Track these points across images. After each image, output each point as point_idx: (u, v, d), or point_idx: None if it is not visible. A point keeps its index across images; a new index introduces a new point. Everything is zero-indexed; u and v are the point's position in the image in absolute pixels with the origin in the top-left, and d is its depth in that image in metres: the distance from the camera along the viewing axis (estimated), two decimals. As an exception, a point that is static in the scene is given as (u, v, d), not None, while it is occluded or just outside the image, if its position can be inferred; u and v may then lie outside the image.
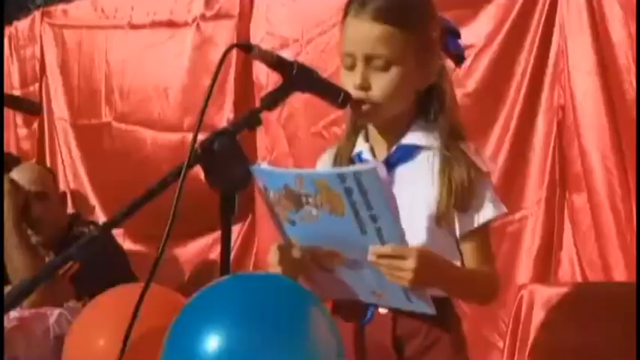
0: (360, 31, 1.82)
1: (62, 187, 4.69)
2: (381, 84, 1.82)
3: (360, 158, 1.93)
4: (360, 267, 1.70)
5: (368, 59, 1.82)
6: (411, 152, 1.88)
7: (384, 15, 1.80)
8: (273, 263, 1.77)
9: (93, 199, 4.74)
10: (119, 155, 4.58)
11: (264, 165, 1.74)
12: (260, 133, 3.84)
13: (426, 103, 1.90)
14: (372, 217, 1.60)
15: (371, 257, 1.65)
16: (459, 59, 1.97)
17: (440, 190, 1.82)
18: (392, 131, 1.90)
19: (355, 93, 1.83)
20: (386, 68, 1.82)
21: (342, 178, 1.57)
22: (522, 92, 3.14)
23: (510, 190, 3.14)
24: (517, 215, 3.13)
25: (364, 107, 1.83)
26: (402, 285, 1.66)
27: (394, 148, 1.89)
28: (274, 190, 1.68)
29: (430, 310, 1.72)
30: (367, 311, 1.85)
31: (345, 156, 1.96)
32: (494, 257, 1.92)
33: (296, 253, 1.74)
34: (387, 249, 1.63)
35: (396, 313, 1.82)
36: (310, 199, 1.63)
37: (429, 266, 1.67)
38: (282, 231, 1.76)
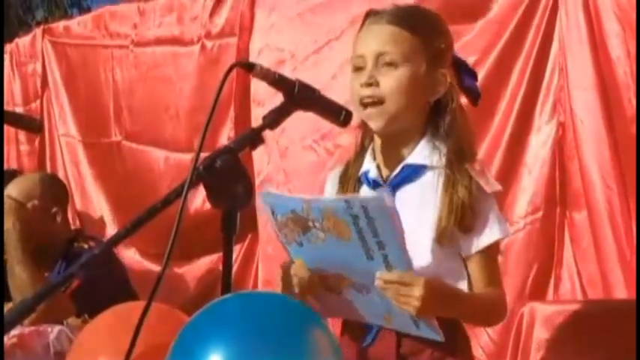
0: (372, 34, 1.88)
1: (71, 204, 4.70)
2: (388, 81, 1.84)
3: (366, 177, 1.94)
4: (367, 291, 1.72)
5: (377, 58, 1.85)
6: (416, 172, 1.88)
7: (396, 19, 1.86)
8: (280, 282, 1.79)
9: (106, 217, 4.72)
10: (130, 174, 4.58)
11: (271, 190, 1.76)
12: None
13: (436, 122, 1.92)
14: (379, 244, 1.61)
15: (378, 282, 1.66)
16: (474, 97, 2.00)
17: (440, 209, 1.83)
18: (399, 147, 1.91)
19: (361, 91, 1.85)
20: (393, 65, 1.85)
21: (349, 206, 1.59)
22: (516, 107, 3.14)
23: (501, 205, 3.13)
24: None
25: (371, 109, 1.85)
26: (409, 311, 1.67)
27: (399, 167, 1.89)
28: (281, 215, 1.70)
29: (438, 336, 1.72)
30: (370, 333, 1.85)
31: (353, 175, 1.97)
32: (501, 278, 1.93)
33: (303, 273, 1.74)
34: (393, 275, 1.65)
35: (400, 332, 1.82)
36: (317, 224, 1.64)
37: (436, 295, 1.68)
38: (290, 252, 1.78)
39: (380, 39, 1.86)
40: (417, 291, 1.64)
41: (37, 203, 3.51)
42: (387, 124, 1.87)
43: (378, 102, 1.85)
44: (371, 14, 1.92)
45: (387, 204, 1.58)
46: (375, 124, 1.89)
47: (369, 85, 1.84)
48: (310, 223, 1.65)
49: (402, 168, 1.89)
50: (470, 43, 3.23)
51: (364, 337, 1.86)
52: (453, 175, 1.84)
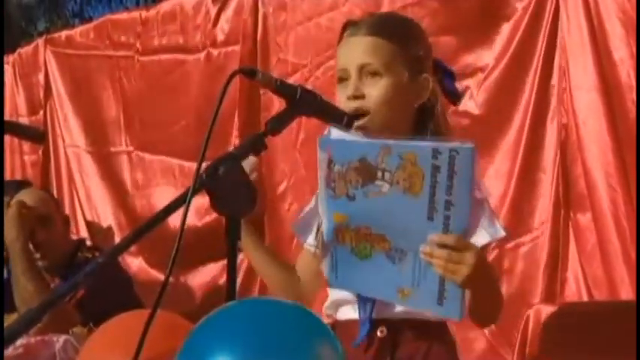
0: (352, 46, 1.91)
1: (75, 214, 4.71)
2: (373, 91, 1.87)
3: None
4: (401, 258, 1.67)
5: (360, 69, 1.87)
6: None
7: (374, 29, 1.89)
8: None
9: (114, 226, 4.72)
10: (144, 184, 4.57)
11: (335, 134, 1.70)
12: (278, 158, 3.84)
13: (422, 125, 1.94)
14: (447, 203, 1.57)
15: (428, 248, 1.62)
16: (454, 98, 2.01)
17: None
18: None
19: (348, 103, 1.87)
20: (377, 75, 1.87)
21: (435, 152, 1.54)
22: (529, 113, 3.15)
23: (521, 212, 3.15)
24: (529, 236, 3.14)
25: (360, 120, 1.85)
26: (453, 279, 1.63)
27: None
28: (342, 162, 1.65)
29: (458, 315, 1.69)
30: (360, 332, 1.86)
31: None
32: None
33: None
34: (450, 238, 1.61)
35: (395, 335, 1.84)
36: (387, 175, 1.60)
37: (484, 266, 1.67)
38: (331, 206, 1.72)
39: (361, 50, 1.88)
40: (470, 258, 1.61)
41: (57, 212, 3.57)
42: (376, 131, 1.88)
43: (365, 113, 1.87)
44: (349, 25, 1.94)
45: (475, 155, 1.53)
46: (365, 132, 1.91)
47: (355, 97, 1.87)
48: (379, 173, 1.60)
49: None
50: (482, 51, 3.25)
51: (354, 339, 1.85)
52: None
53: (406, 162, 1.57)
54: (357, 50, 1.89)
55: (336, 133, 1.72)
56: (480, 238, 1.79)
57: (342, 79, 1.91)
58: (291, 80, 3.52)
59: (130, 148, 4.65)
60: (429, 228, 1.61)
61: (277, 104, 3.23)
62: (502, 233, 1.85)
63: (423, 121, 1.93)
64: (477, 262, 1.62)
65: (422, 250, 1.64)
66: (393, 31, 1.90)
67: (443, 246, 1.62)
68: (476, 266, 1.62)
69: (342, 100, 1.88)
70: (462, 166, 1.53)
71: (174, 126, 4.38)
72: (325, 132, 1.72)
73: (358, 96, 1.86)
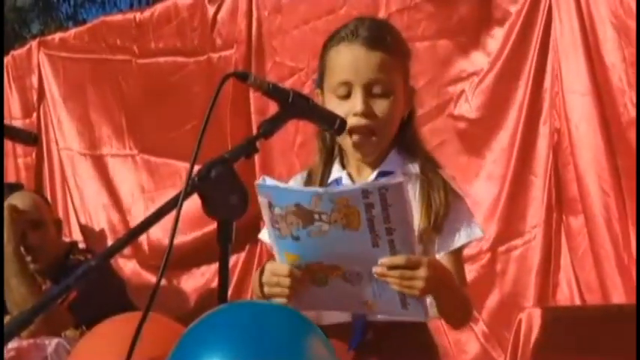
0: (357, 59, 1.85)
1: (68, 217, 4.69)
2: (383, 110, 1.85)
3: (338, 184, 1.94)
4: (358, 279, 1.71)
5: (368, 86, 1.84)
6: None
7: (377, 43, 1.84)
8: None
9: (107, 230, 4.70)
10: (150, 187, 4.56)
11: (269, 180, 1.72)
12: (275, 161, 3.84)
13: (401, 134, 1.94)
14: (388, 230, 1.61)
15: (380, 269, 1.65)
16: None
17: (419, 211, 1.84)
18: (374, 157, 1.92)
19: (357, 120, 1.84)
20: (385, 95, 1.85)
21: (365, 194, 1.58)
22: (522, 117, 3.16)
23: (514, 215, 3.15)
24: (521, 240, 3.14)
25: (361, 137, 1.85)
26: (411, 294, 1.66)
27: (374, 174, 1.90)
28: (281, 206, 1.67)
29: (424, 316, 1.73)
30: (355, 335, 1.86)
31: (321, 182, 1.96)
32: (467, 281, 1.96)
33: (285, 272, 1.72)
34: (400, 259, 1.63)
35: (379, 338, 1.84)
36: (324, 217, 1.63)
37: (438, 275, 1.68)
38: (278, 247, 1.75)
39: (369, 67, 1.84)
40: (422, 272, 1.64)
41: (49, 215, 3.57)
42: (375, 155, 1.91)
43: (369, 133, 1.86)
44: (342, 33, 1.89)
45: (404, 188, 1.58)
46: (363, 155, 1.91)
47: (365, 115, 1.84)
48: (316, 216, 1.63)
49: (377, 175, 1.89)
50: (477, 55, 3.25)
51: (349, 341, 1.85)
52: (429, 178, 1.87)
53: (339, 205, 1.61)
54: (365, 66, 1.84)
55: (270, 180, 1.73)
56: (461, 238, 1.86)
57: (343, 94, 1.87)
58: (287, 84, 3.52)
59: (134, 152, 4.62)
60: (377, 253, 1.65)
61: (272, 108, 3.23)
62: (480, 233, 1.90)
63: (402, 128, 1.93)
64: (429, 273, 1.64)
65: (374, 271, 1.66)
66: (392, 44, 1.87)
67: (394, 267, 1.64)
68: (429, 277, 1.64)
69: (348, 116, 1.84)
70: (394, 198, 1.58)
71: (179, 129, 4.35)
72: (260, 179, 1.73)
73: (368, 113, 1.84)
